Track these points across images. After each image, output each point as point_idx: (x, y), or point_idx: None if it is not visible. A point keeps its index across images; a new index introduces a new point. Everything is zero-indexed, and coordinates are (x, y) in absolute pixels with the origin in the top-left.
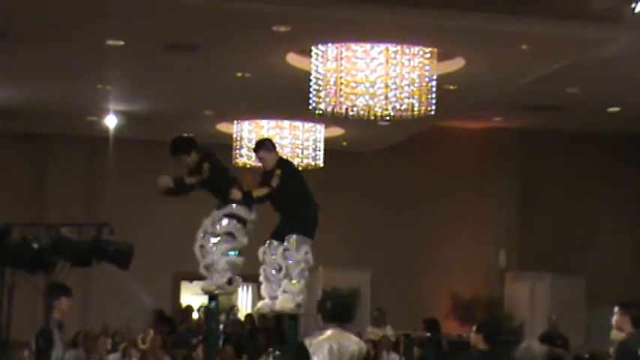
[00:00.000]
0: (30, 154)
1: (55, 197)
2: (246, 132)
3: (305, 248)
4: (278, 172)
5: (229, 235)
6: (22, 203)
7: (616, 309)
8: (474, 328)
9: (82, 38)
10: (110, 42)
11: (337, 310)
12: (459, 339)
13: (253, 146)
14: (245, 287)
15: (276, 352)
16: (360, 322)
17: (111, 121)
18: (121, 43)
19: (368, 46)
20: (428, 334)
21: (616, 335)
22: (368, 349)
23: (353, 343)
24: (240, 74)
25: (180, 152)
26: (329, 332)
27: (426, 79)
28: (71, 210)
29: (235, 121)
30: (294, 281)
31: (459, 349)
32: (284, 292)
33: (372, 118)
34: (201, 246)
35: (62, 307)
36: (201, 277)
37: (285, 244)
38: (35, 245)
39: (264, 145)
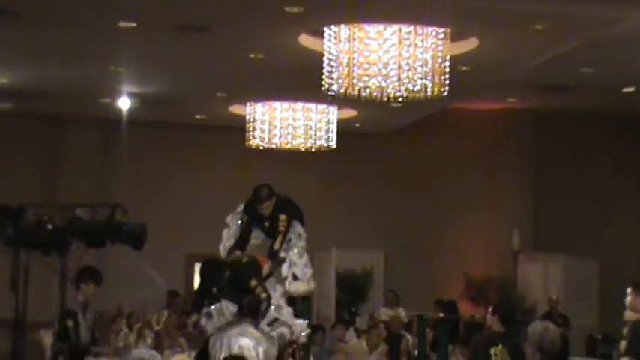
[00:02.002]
0: (43, 136)
1: (68, 178)
2: (259, 114)
3: (304, 233)
4: (282, 217)
5: None
6: (35, 184)
7: (629, 290)
8: (490, 309)
9: (94, 20)
10: (122, 24)
11: (252, 307)
12: (471, 319)
13: (264, 195)
14: None
15: None
16: (373, 303)
17: (124, 103)
18: (134, 24)
19: (381, 26)
20: (441, 315)
21: (630, 315)
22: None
23: (249, 340)
24: (252, 55)
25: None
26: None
27: (440, 60)
28: (84, 191)
29: (248, 103)
30: (304, 265)
31: (472, 330)
32: (295, 276)
33: (385, 99)
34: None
35: (89, 291)
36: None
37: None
38: (49, 226)
39: (271, 193)
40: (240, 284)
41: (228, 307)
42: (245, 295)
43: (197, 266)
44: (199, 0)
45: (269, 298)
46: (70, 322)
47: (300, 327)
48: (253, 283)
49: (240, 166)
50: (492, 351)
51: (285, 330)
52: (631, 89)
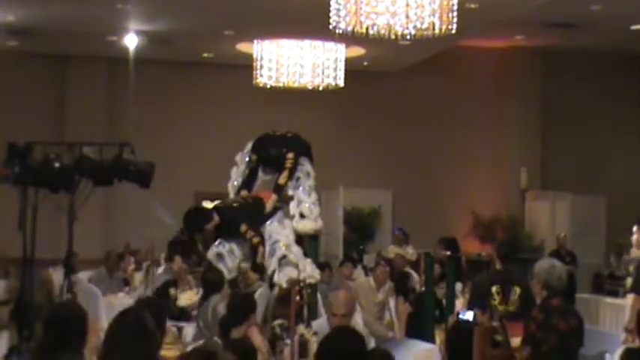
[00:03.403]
0: (50, 74)
1: (75, 117)
2: (267, 52)
3: (312, 172)
4: (290, 155)
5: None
6: (42, 123)
7: (635, 228)
8: (495, 247)
9: None
10: None
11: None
12: (478, 258)
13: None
14: None
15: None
16: (381, 242)
17: (131, 41)
18: None
19: None
20: (448, 253)
21: (636, 253)
22: None
23: None
24: None
25: None
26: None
27: None
28: (92, 130)
29: (256, 41)
30: (312, 203)
31: (479, 268)
32: (302, 214)
33: (393, 37)
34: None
35: (181, 263)
36: (223, 196)
37: (299, 171)
38: (57, 164)
39: (280, 149)
40: (230, 229)
41: (238, 248)
42: (239, 239)
43: (205, 204)
44: None
45: (262, 242)
46: (173, 291)
47: (309, 270)
48: (243, 228)
49: (247, 104)
50: (494, 289)
51: (291, 270)
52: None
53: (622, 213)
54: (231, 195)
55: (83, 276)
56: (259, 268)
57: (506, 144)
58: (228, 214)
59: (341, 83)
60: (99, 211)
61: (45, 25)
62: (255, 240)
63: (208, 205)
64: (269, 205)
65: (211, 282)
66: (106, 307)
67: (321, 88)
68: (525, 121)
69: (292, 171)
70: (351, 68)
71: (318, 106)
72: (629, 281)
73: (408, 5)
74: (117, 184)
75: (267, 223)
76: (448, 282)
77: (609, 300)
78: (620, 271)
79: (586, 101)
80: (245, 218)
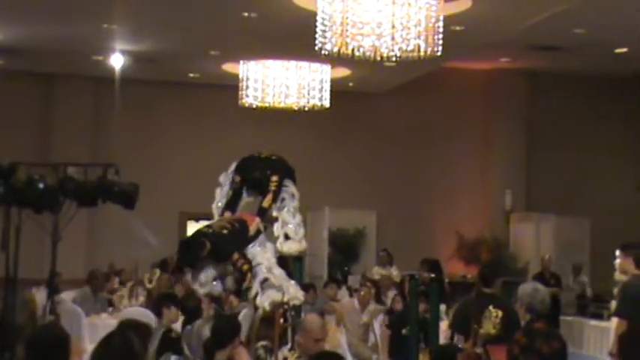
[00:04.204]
0: (35, 94)
1: (60, 137)
2: (253, 72)
3: (297, 193)
4: (274, 178)
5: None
6: (27, 143)
7: (618, 252)
8: (479, 270)
9: None
10: None
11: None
12: (463, 280)
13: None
14: None
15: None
16: (365, 263)
17: (117, 61)
18: None
19: None
20: (432, 275)
21: (620, 277)
22: None
23: None
24: (246, 14)
25: None
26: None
27: (433, 20)
28: (77, 150)
29: (241, 62)
30: (297, 224)
31: (463, 290)
32: (287, 236)
33: (379, 58)
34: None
35: (171, 316)
36: (207, 217)
37: (284, 193)
38: (41, 185)
39: (265, 171)
40: (220, 256)
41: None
42: (226, 264)
43: (190, 225)
44: None
45: (250, 269)
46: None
47: (293, 292)
48: (235, 256)
49: (233, 124)
50: (473, 312)
51: (274, 292)
52: (624, 50)
53: (606, 235)
54: (215, 216)
55: (67, 296)
56: (244, 293)
57: (491, 166)
58: (218, 240)
59: (326, 104)
60: (83, 231)
61: (31, 44)
62: (245, 267)
63: (193, 225)
64: (252, 229)
65: (191, 309)
66: (89, 328)
67: (306, 109)
68: (510, 144)
69: (276, 194)
70: (337, 89)
71: (304, 127)
72: (613, 304)
73: (393, 27)
74: (101, 205)
75: (250, 246)
76: (432, 304)
77: (594, 323)
78: (577, 292)
79: (571, 123)
80: (235, 246)
